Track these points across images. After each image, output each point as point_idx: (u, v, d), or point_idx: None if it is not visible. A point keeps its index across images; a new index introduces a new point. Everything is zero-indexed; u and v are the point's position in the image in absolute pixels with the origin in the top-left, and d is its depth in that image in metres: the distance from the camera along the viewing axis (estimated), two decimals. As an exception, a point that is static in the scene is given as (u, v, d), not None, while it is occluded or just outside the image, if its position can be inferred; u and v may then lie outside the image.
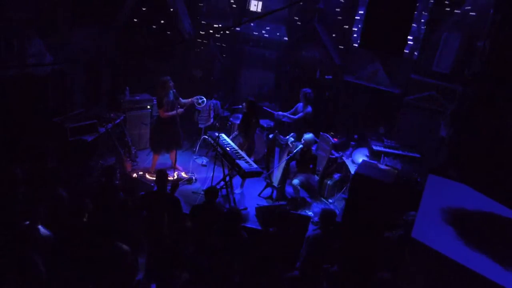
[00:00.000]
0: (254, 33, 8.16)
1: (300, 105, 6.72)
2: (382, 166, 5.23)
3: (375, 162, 6.00)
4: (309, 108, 6.60)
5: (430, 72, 6.90)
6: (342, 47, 7.81)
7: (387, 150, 6.48)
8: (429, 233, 2.66)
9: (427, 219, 2.81)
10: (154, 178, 4.91)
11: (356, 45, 7.52)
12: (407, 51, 7.05)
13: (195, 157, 7.08)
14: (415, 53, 7.18)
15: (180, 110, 6.19)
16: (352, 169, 6.09)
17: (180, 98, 6.22)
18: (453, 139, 5.17)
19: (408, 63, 7.16)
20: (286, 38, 8.06)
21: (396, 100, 7.19)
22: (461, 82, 6.03)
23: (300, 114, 6.62)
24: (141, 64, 7.25)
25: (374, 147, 6.50)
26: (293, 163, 6.15)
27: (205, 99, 6.28)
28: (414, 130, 6.90)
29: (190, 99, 6.30)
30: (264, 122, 7.43)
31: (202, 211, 4.64)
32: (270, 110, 7.14)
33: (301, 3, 7.57)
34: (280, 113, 6.77)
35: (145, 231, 4.47)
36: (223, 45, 8.30)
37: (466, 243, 2.56)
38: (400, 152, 6.50)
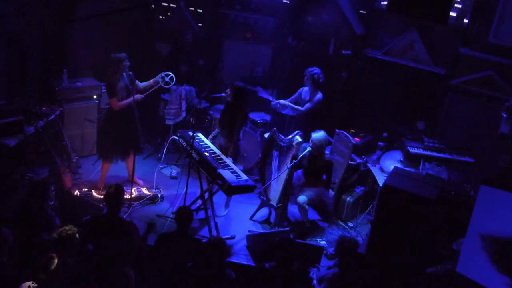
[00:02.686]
0: (243, -8, 8.24)
1: (305, 90, 6.74)
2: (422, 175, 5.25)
3: (413, 170, 6.04)
4: (319, 95, 6.61)
5: (486, 44, 6.96)
6: (364, 11, 7.85)
7: (428, 153, 6.53)
8: (477, 265, 2.64)
9: (475, 247, 2.80)
10: (103, 197, 4.90)
11: (384, 5, 7.56)
12: (453, 15, 7.10)
13: (160, 166, 7.08)
14: (465, 19, 7.24)
15: (138, 97, 6.20)
16: (381, 180, 6.12)
17: (137, 82, 6.25)
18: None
19: (456, 33, 7.21)
20: (287, 0, 8.09)
21: (440, 83, 7.25)
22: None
23: (307, 105, 6.63)
24: (84, 37, 7.23)
25: (411, 150, 6.54)
26: (299, 172, 6.17)
27: (173, 76, 6.28)
28: (464, 125, 6.97)
29: (151, 80, 6.34)
30: (257, 116, 7.43)
31: (172, 242, 4.61)
32: (267, 97, 7.11)
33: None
34: (281, 101, 6.78)
35: (93, 272, 4.44)
36: (198, 10, 8.30)
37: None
38: (446, 155, 6.56)
